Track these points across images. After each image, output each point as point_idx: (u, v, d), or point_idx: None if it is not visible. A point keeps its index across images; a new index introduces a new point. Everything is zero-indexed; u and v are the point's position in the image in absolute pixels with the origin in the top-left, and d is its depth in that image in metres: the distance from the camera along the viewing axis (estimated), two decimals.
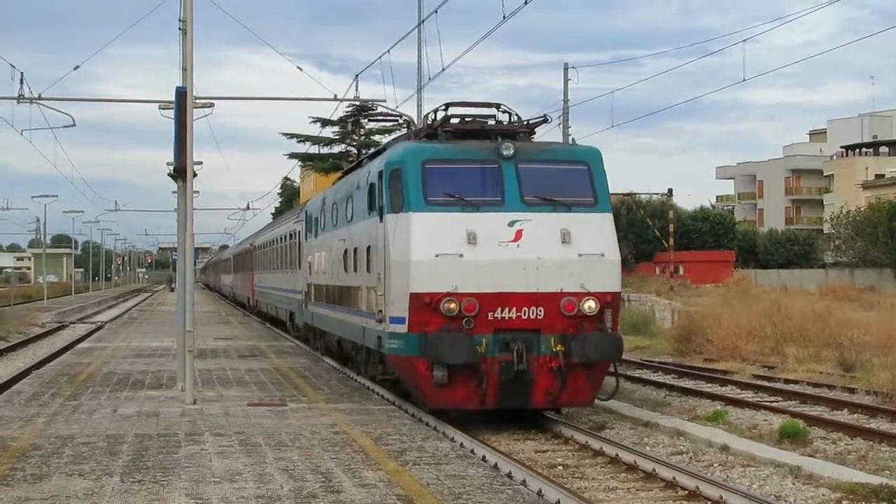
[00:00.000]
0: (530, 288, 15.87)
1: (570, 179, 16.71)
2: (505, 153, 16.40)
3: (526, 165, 16.49)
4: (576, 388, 16.04)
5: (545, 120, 18.25)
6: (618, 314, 16.51)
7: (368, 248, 18.13)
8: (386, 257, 16.53)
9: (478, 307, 15.65)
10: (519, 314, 15.84)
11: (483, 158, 16.48)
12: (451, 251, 15.78)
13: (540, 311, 15.88)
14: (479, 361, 15.57)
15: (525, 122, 17.87)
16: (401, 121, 28.29)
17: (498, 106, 18.02)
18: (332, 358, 24.73)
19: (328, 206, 23.85)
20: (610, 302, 16.17)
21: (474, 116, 17.83)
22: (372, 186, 17.80)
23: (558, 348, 15.85)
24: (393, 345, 16.39)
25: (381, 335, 16.95)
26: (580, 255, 16.12)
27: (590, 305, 15.99)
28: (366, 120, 52.67)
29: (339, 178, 25.10)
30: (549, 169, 16.73)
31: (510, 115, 17.94)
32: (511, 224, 16.06)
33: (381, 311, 16.88)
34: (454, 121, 17.52)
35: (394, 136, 25.01)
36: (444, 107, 17.70)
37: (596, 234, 16.39)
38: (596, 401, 16.92)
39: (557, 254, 16.07)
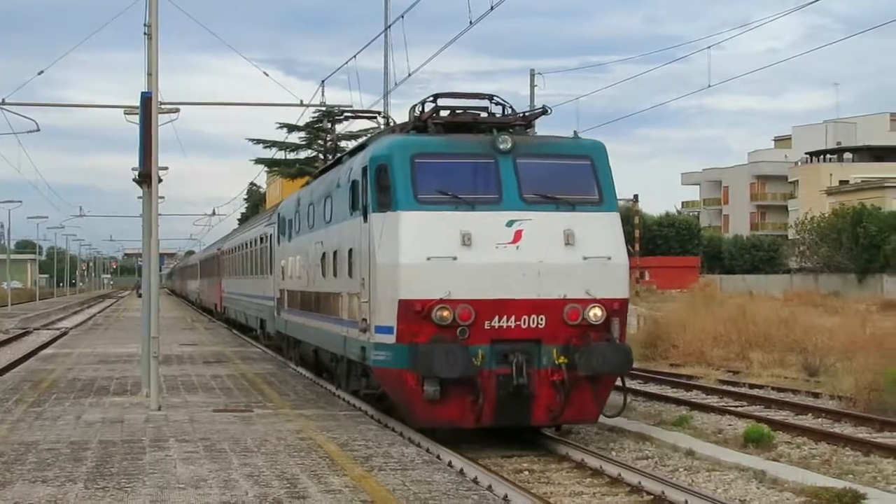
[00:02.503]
0: (531, 294, 14.66)
1: (572, 175, 15.53)
2: (501, 147, 15.13)
3: (524, 160, 15.24)
4: (580, 404, 14.94)
5: (545, 111, 16.92)
6: (625, 323, 15.33)
7: (350, 250, 16.83)
8: (371, 261, 15.25)
9: (473, 315, 14.43)
10: (518, 323, 14.63)
11: (478, 153, 15.20)
12: (443, 254, 14.55)
13: (541, 319, 14.69)
14: (475, 375, 14.34)
15: (522, 115, 16.63)
16: (379, 119, 27.69)
17: (491, 97, 16.70)
18: (308, 369, 23.58)
19: (303, 207, 22.48)
20: (617, 310, 14.98)
21: (465, 108, 16.50)
22: (354, 184, 16.50)
23: (561, 360, 14.68)
24: (379, 357, 15.10)
25: (366, 346, 15.66)
26: (585, 259, 14.93)
27: (595, 313, 14.79)
28: (339, 121, 52.55)
29: (316, 178, 23.67)
30: (549, 164, 15.53)
31: (504, 107, 16.59)
32: (509, 224, 14.83)
33: (365, 319, 15.60)
34: (444, 113, 16.24)
35: (360, 141, 24.61)
36: (432, 98, 16.43)
37: (602, 235, 15.20)
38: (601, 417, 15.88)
39: (560, 257, 14.86)
